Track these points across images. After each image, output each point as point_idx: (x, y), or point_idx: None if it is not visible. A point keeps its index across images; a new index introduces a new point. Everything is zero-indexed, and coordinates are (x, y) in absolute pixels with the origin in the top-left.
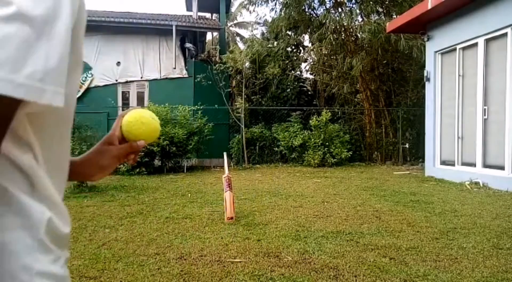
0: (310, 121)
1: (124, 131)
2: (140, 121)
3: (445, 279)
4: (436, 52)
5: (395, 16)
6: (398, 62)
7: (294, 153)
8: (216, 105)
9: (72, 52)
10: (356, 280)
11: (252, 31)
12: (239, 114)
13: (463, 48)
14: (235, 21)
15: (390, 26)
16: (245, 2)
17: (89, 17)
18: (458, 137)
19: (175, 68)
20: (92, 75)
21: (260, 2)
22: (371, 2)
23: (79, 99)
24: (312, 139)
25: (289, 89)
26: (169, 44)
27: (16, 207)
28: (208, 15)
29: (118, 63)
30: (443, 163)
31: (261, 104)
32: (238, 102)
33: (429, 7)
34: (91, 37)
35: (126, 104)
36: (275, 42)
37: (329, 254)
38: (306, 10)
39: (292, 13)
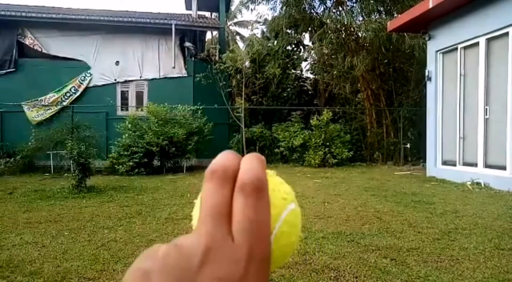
0: (311, 121)
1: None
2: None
3: (446, 280)
4: (437, 51)
5: (396, 15)
6: (400, 62)
7: (295, 154)
8: (216, 105)
9: None
10: (357, 281)
11: (252, 30)
12: (239, 114)
13: (465, 48)
14: (235, 20)
15: (391, 25)
16: (245, 1)
17: (88, 16)
18: (459, 137)
19: (174, 67)
20: (91, 74)
21: (260, 0)
22: (372, 1)
23: (78, 99)
24: (313, 139)
25: (289, 89)
26: (169, 43)
27: None
28: (207, 14)
29: (117, 63)
30: (444, 163)
31: (261, 104)
32: (238, 102)
33: (430, 6)
34: (90, 37)
35: (125, 104)
36: (275, 41)
37: (329, 255)
38: (307, 9)
39: (293, 11)
